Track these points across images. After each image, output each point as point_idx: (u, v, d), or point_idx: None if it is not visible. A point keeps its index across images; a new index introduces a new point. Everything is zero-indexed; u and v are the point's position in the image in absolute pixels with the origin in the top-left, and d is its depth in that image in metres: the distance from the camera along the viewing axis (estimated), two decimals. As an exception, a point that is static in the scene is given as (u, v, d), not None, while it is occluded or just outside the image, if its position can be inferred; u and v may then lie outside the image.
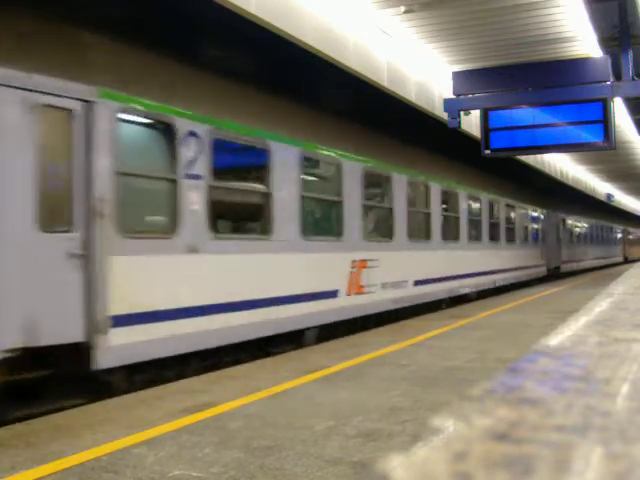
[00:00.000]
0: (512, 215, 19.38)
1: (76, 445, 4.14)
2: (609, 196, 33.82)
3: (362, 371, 6.46)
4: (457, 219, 14.85)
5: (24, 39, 5.61)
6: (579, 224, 30.20)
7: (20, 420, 4.88)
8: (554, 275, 24.03)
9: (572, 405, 1.16)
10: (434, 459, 0.87)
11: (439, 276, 13.49)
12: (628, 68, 10.84)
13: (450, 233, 14.38)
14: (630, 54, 10.85)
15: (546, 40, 10.87)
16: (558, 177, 23.22)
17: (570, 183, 25.50)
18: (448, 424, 1.01)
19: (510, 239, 18.79)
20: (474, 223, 16.00)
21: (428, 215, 13.30)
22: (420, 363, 6.78)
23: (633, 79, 10.88)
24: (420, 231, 13.00)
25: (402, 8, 9.33)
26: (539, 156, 19.65)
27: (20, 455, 3.97)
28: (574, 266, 27.95)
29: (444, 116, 12.23)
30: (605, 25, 10.53)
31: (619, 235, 45.38)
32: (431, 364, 6.70)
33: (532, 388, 1.30)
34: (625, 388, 1.31)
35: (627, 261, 44.42)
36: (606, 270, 32.10)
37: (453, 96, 12.08)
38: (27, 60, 5.51)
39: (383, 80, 10.61)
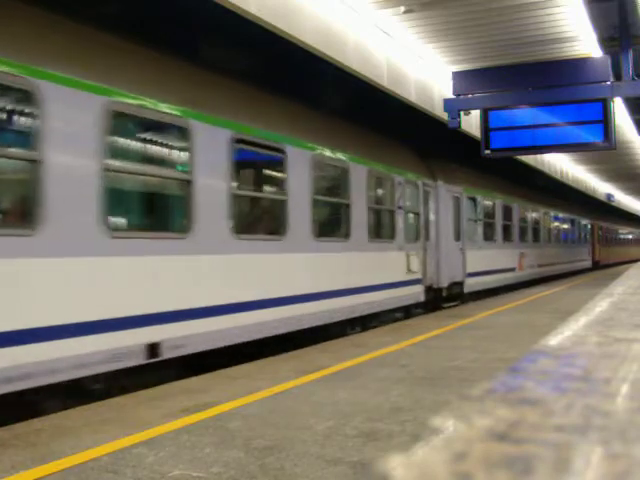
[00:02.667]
0: (321, 179, 9.70)
1: (76, 445, 4.14)
2: (609, 196, 33.81)
3: (362, 371, 6.46)
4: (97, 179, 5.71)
5: None
6: (508, 209, 18.36)
7: (20, 420, 4.87)
8: (450, 298, 13.96)
9: (572, 405, 1.16)
10: (434, 459, 0.87)
11: None
12: (628, 68, 10.85)
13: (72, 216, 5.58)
14: (630, 54, 10.86)
15: (546, 40, 10.87)
16: (557, 176, 23.17)
17: (570, 183, 25.51)
18: (448, 424, 1.01)
19: (316, 231, 9.19)
20: (173, 193, 7.23)
21: None
22: (420, 363, 6.77)
23: (633, 79, 10.89)
24: None
25: (402, 8, 9.33)
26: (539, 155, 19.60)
27: (20, 455, 3.97)
28: (494, 280, 16.75)
29: (444, 116, 12.25)
30: (605, 25, 10.53)
31: (586, 231, 31.57)
32: (431, 364, 6.70)
33: (532, 388, 1.30)
34: (625, 388, 1.31)
35: (598, 266, 33.17)
36: (576, 276, 23.51)
37: (453, 96, 12.09)
38: None
39: (383, 79, 10.61)
